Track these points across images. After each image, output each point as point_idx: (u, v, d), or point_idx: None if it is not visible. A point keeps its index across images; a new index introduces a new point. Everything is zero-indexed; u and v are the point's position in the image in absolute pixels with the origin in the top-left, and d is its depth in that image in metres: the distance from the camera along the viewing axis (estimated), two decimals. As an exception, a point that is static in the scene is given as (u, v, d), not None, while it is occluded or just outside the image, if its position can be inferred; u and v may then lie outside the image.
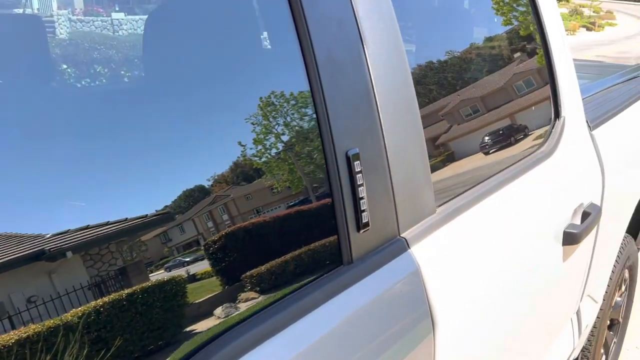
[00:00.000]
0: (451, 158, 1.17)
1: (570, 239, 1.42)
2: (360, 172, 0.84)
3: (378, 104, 0.89)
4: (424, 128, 1.00)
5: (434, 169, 1.04)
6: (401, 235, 0.93)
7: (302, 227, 0.81)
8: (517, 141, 1.41)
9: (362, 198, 0.84)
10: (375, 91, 0.89)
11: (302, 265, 0.79)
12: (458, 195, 1.11)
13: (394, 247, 0.90)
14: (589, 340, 2.17)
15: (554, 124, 1.57)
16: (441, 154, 1.13)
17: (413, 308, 0.90)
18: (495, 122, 1.35)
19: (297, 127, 0.82)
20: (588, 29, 21.94)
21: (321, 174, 0.82)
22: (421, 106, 1.00)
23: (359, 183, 0.83)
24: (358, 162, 0.84)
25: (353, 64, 0.86)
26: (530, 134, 1.48)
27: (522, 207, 1.27)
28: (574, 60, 1.74)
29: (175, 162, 0.68)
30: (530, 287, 1.31)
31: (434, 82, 1.14)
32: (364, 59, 0.88)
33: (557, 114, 1.58)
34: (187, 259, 0.66)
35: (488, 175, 1.22)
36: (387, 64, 0.93)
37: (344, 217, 0.82)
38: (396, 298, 0.88)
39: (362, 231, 0.84)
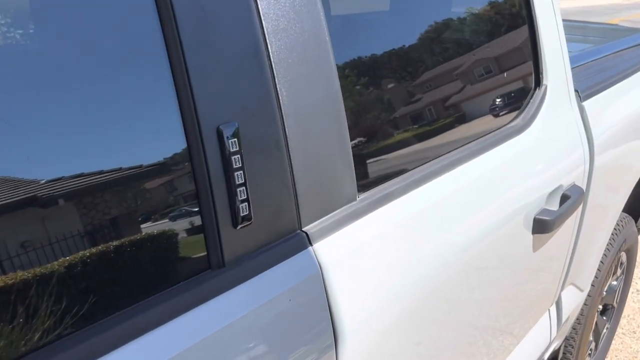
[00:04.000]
0: (387, 130, 0.98)
1: (541, 227, 1.23)
2: (237, 152, 0.66)
3: (273, 63, 0.71)
4: (342, 89, 0.81)
5: (359, 142, 0.86)
6: (303, 229, 0.76)
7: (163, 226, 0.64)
8: (480, 113, 1.21)
9: (240, 185, 0.67)
10: (268, 47, 0.71)
11: (153, 272, 0.62)
12: (390, 179, 0.93)
13: (288, 244, 0.73)
14: (574, 329, 2.01)
15: (533, 94, 1.36)
16: (371, 123, 0.95)
17: (308, 322, 0.73)
18: (455, 87, 1.15)
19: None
20: (619, -9, 21.02)
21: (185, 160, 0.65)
22: (341, 61, 0.82)
23: (235, 166, 0.66)
24: (235, 139, 0.66)
25: (235, 13, 0.67)
26: (502, 105, 1.29)
27: (476, 190, 1.09)
28: (564, 20, 1.52)
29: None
30: (482, 288, 1.13)
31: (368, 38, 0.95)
32: (254, 7, 0.69)
33: (538, 82, 1.38)
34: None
35: (435, 155, 1.03)
36: (290, 13, 0.74)
37: (212, 210, 0.65)
38: (285, 309, 0.71)
39: (240, 226, 0.67)
